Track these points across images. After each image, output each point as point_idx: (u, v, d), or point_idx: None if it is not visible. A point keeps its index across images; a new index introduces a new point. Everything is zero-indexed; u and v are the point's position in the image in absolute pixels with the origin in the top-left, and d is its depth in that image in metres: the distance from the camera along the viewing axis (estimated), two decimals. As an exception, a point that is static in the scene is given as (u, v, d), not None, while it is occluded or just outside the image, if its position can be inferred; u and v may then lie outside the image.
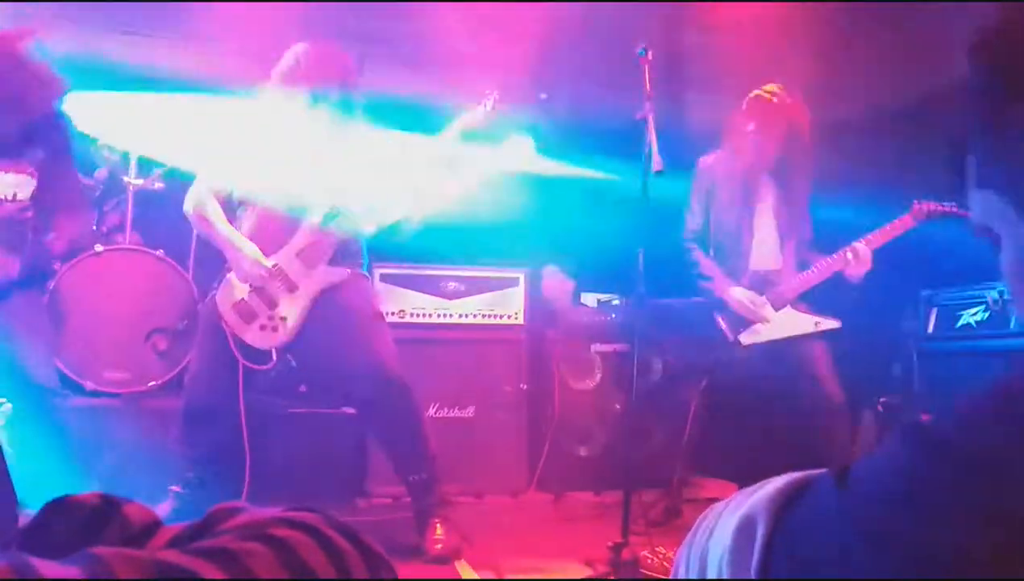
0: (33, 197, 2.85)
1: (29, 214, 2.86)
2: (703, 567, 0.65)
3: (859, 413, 3.69)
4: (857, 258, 3.22)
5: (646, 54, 2.71)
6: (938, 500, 0.51)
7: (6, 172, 2.82)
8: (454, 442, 3.56)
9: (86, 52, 3.84)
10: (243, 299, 2.77)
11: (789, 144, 3.30)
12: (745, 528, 0.62)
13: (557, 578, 2.43)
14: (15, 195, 2.82)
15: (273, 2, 3.96)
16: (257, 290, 2.77)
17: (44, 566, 0.42)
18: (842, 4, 4.09)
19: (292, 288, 2.78)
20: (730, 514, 0.64)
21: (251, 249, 2.76)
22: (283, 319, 2.76)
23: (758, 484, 0.66)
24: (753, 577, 0.59)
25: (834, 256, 3.28)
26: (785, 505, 0.60)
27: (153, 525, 0.55)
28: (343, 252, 2.87)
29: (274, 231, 2.82)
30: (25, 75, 2.71)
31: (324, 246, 2.81)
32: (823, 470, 0.62)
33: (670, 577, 0.74)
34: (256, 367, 2.78)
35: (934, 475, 0.53)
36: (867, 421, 3.71)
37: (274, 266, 2.77)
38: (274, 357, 2.77)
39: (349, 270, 2.87)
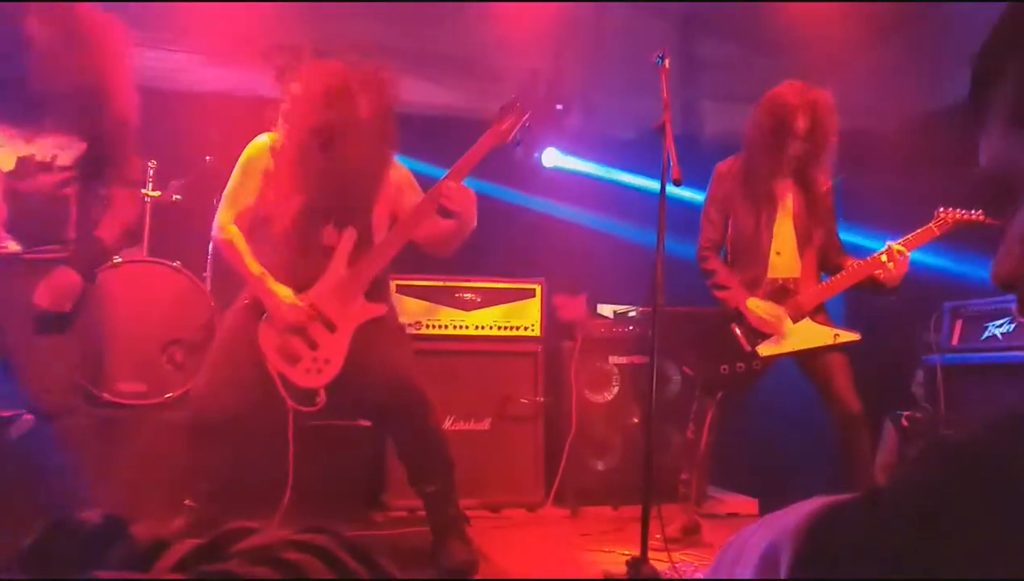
0: (78, 165, 2.50)
1: (69, 191, 2.50)
2: (729, 598, 0.63)
3: (881, 426, 3.64)
4: (894, 260, 3.13)
5: (663, 62, 2.69)
6: (973, 523, 0.49)
7: (48, 133, 2.46)
8: (470, 455, 3.53)
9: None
10: (285, 342, 2.68)
11: (811, 144, 3.19)
12: (770, 556, 0.59)
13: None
14: (54, 159, 2.46)
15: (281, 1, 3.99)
16: (296, 332, 2.69)
17: None
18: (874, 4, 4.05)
19: (332, 328, 2.71)
20: (755, 543, 0.62)
21: (286, 294, 2.68)
22: (327, 361, 2.69)
23: (784, 510, 0.63)
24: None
25: (866, 260, 3.21)
26: (812, 531, 0.58)
27: (160, 546, 0.53)
28: (375, 285, 2.80)
29: (308, 266, 2.74)
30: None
31: (359, 281, 2.74)
32: (852, 494, 0.60)
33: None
34: (306, 410, 2.71)
35: (968, 496, 0.50)
36: (889, 435, 3.66)
37: (311, 307, 2.69)
38: (322, 395, 2.70)
39: (385, 306, 2.81)
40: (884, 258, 3.15)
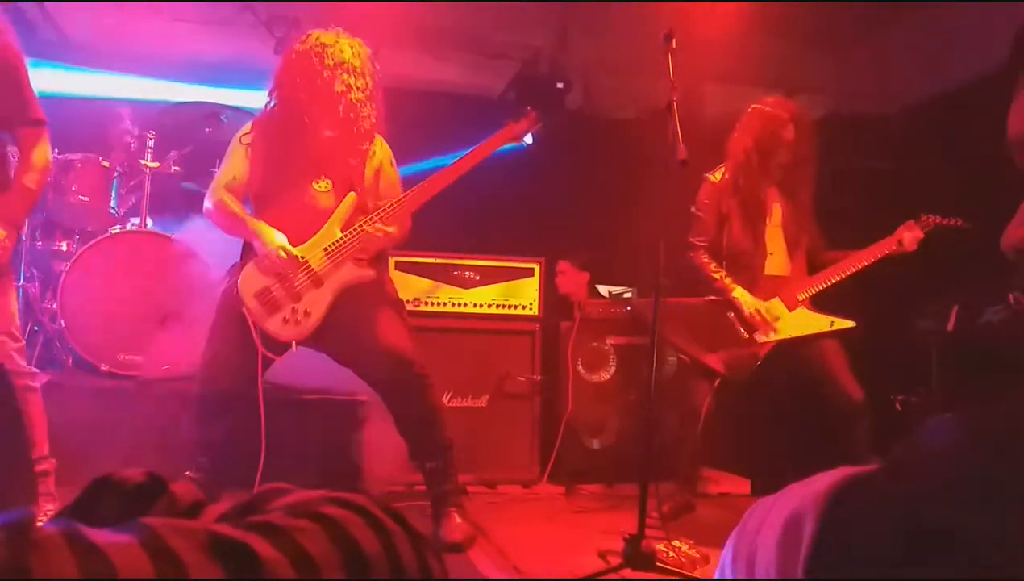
0: None
1: None
2: (751, 565, 0.64)
3: (877, 411, 3.67)
4: (912, 233, 3.27)
5: (671, 41, 2.69)
6: (994, 494, 0.50)
7: None
8: (467, 431, 3.56)
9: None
10: (267, 288, 2.72)
11: (790, 156, 3.31)
12: (793, 525, 0.60)
13: (576, 579, 2.41)
14: None
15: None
16: (282, 280, 2.72)
17: (96, 534, 0.41)
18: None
19: (317, 283, 2.74)
20: (778, 511, 0.63)
21: (279, 237, 2.71)
22: (307, 314, 2.72)
23: (806, 480, 0.64)
24: (802, 576, 0.58)
25: (878, 244, 3.29)
26: (835, 500, 0.59)
27: (200, 503, 0.54)
28: (367, 249, 2.82)
29: (299, 227, 2.76)
30: None
31: (350, 243, 2.76)
32: (874, 465, 0.61)
33: (714, 576, 0.72)
34: (276, 358, 2.76)
35: (992, 468, 0.51)
36: (886, 419, 3.69)
37: (301, 258, 2.72)
38: (294, 349, 2.74)
39: (374, 271, 2.83)
40: (906, 234, 3.27)
